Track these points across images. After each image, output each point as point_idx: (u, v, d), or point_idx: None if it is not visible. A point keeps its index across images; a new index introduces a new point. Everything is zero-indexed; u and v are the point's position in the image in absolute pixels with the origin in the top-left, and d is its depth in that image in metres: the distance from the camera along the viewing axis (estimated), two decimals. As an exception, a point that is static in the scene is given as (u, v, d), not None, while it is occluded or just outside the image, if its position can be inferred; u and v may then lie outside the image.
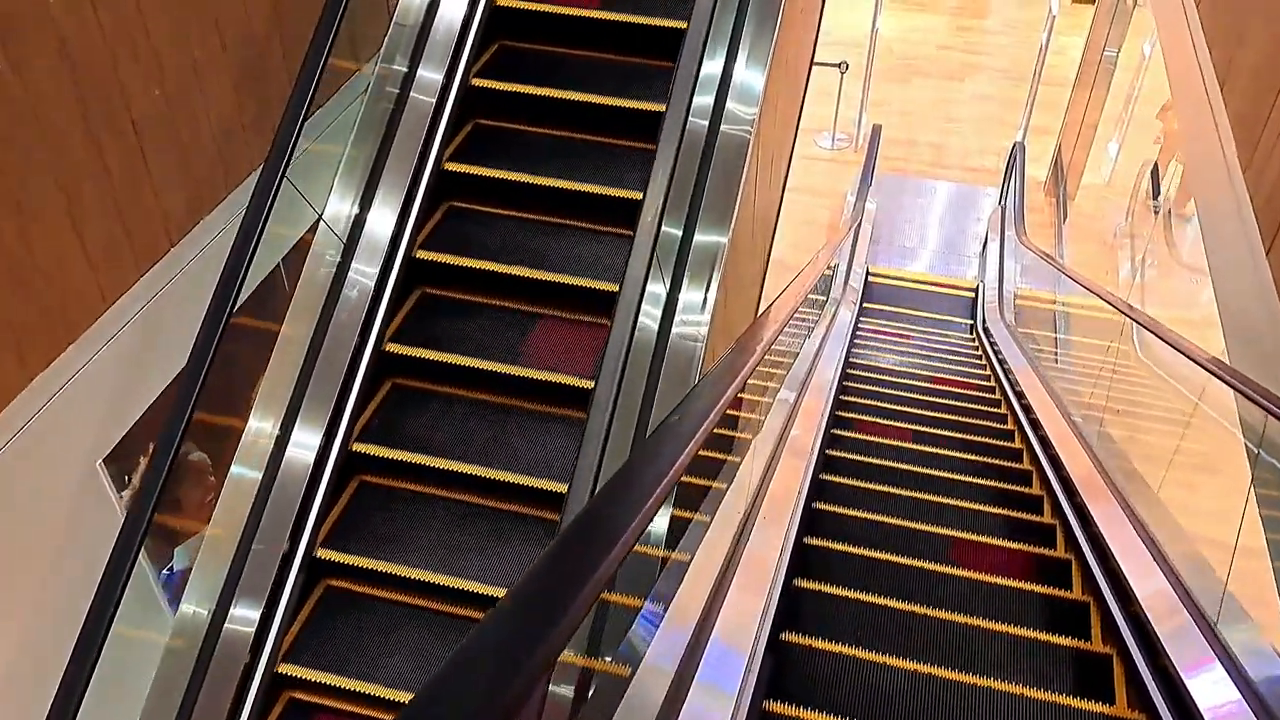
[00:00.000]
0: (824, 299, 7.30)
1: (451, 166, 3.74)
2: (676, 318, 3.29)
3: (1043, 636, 2.99)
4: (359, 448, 3.39)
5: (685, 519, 2.29)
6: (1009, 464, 5.05)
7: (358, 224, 3.45)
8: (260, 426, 3.19)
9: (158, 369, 2.84)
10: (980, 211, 9.91)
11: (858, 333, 7.50)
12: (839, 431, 5.18)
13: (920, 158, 10.66)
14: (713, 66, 3.58)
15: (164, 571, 3.80)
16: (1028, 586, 3.31)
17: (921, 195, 10.13)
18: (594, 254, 3.60)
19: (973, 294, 8.62)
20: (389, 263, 3.51)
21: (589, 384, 3.23)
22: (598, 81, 3.79)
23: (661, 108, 3.24)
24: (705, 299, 3.39)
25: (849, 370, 6.56)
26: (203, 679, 2.95)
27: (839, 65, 9.94)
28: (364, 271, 3.45)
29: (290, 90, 2.96)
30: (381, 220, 3.51)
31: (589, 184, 3.63)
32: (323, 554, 3.26)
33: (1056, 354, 7.37)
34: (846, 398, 5.88)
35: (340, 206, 3.43)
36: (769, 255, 5.27)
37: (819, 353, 6.14)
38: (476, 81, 3.84)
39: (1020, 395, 6.13)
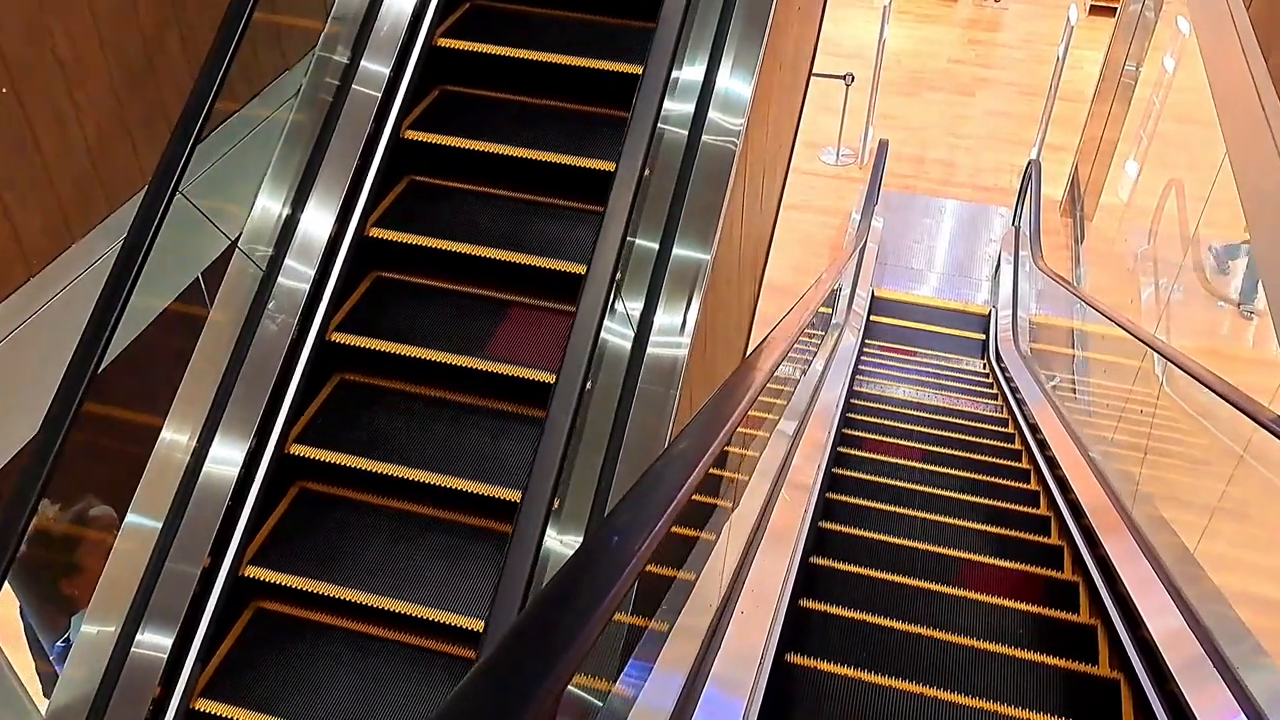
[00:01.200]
0: (826, 324, 6.83)
1: (413, 135, 3.35)
2: (653, 334, 2.89)
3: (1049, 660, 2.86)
4: (298, 451, 2.98)
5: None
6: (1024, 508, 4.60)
7: (299, 197, 3.06)
8: (179, 427, 2.79)
9: (17, 424, 2.37)
10: (992, 232, 9.43)
11: (862, 361, 7.02)
12: (844, 460, 4.73)
13: (929, 175, 10.19)
14: (695, 52, 3.14)
15: (58, 643, 3.34)
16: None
17: (930, 214, 9.65)
18: (577, 236, 3.21)
19: (984, 320, 8.13)
20: (336, 242, 3.11)
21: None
22: (577, 43, 3.44)
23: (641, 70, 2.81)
24: (685, 318, 2.96)
25: (852, 402, 6.09)
26: (103, 715, 2.53)
27: (844, 77, 9.48)
28: (304, 253, 3.05)
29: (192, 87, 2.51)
30: (326, 195, 3.11)
31: (571, 156, 3.24)
32: (251, 572, 2.84)
33: (1075, 386, 6.89)
34: (850, 426, 5.41)
35: (279, 181, 3.04)
36: (762, 276, 4.79)
37: (820, 384, 5.69)
38: (442, 42, 3.45)
39: (1036, 431, 5.65)
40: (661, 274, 2.97)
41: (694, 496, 1.54)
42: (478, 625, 2.69)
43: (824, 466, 4.68)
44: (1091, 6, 12.02)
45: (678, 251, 3.01)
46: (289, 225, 3.05)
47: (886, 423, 5.77)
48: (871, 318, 7.98)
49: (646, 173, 2.62)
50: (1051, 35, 11.72)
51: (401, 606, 2.76)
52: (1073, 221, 9.40)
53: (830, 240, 9.46)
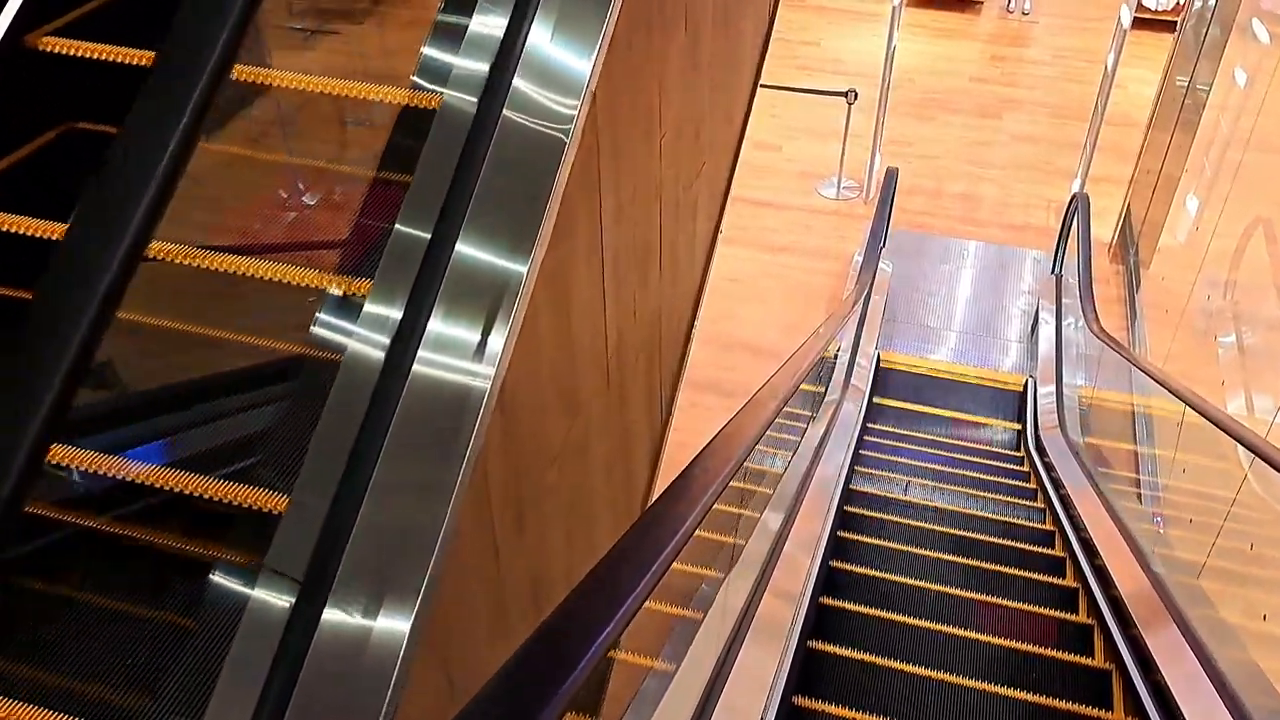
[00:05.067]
0: (815, 404, 5.23)
1: None
2: (427, 348, 1.55)
3: None
4: None
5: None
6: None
7: None
8: None
9: None
10: (1025, 281, 7.76)
11: (861, 453, 5.34)
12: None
13: (947, 211, 8.55)
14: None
15: None
16: None
17: (949, 259, 8.00)
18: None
19: (1019, 395, 6.43)
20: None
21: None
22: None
23: None
24: (486, 339, 1.41)
25: (851, 487, 4.46)
26: None
27: (846, 94, 7.90)
28: None
29: None
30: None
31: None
32: None
33: (1143, 491, 5.21)
34: (845, 547, 3.73)
35: None
36: (688, 337, 3.12)
37: (806, 481, 4.10)
38: None
39: (1092, 552, 4.00)
40: (438, 272, 1.47)
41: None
42: None
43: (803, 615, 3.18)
44: (1135, 19, 10.42)
45: (467, 251, 1.49)
46: None
47: (892, 545, 4.14)
48: (877, 392, 6.30)
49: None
50: (1087, 50, 10.14)
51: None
52: (1125, 269, 7.73)
53: (830, 291, 7.81)
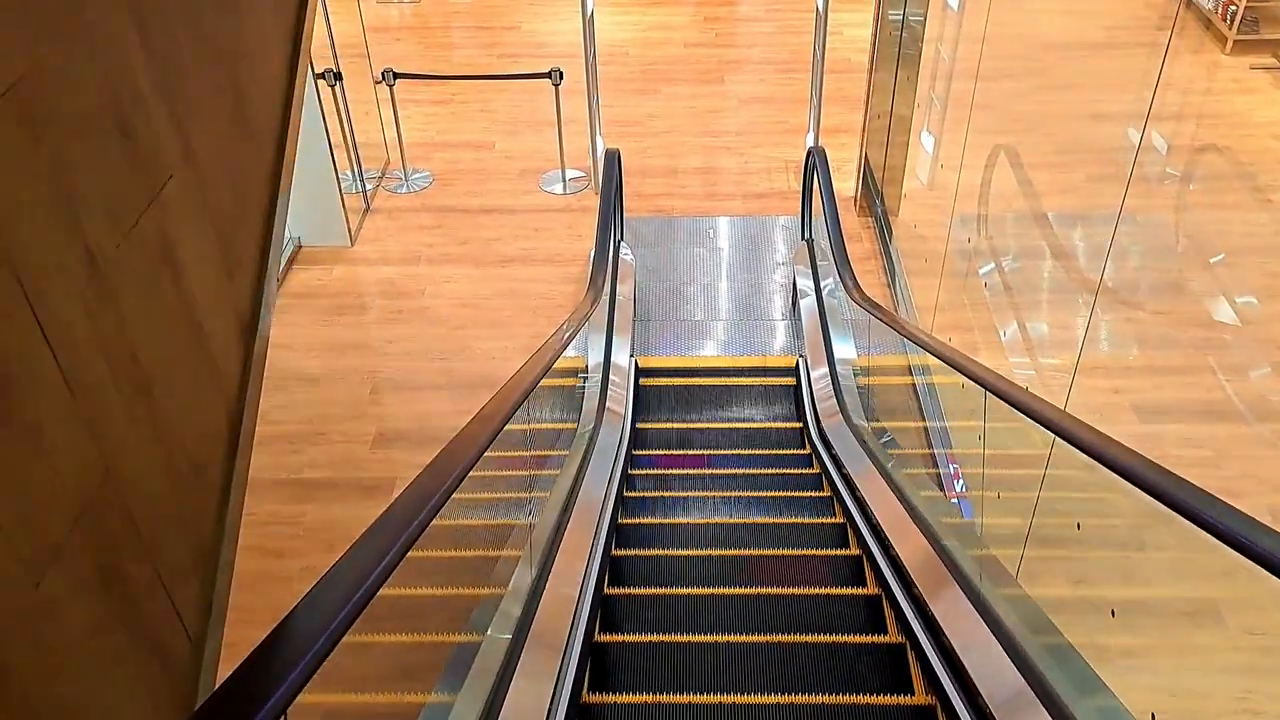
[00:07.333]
0: (542, 445, 4.33)
1: None
2: None
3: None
4: None
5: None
6: None
7: None
8: None
9: None
10: (779, 252, 7.14)
11: (626, 494, 4.43)
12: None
13: (687, 190, 7.84)
14: None
15: None
16: None
17: (697, 241, 7.27)
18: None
19: (794, 380, 5.73)
20: None
21: None
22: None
23: None
24: None
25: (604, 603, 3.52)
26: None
27: (549, 75, 7.00)
28: None
29: None
30: None
31: None
32: None
33: (939, 473, 4.60)
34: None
35: None
36: (231, 469, 1.96)
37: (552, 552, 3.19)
38: None
39: (909, 584, 3.27)
40: None
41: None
42: None
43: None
44: (838, -36, 10.12)
45: None
46: None
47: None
48: (637, 411, 5.42)
49: None
50: (799, 1, 9.75)
51: None
52: (874, 220, 7.25)
53: (576, 298, 6.89)
